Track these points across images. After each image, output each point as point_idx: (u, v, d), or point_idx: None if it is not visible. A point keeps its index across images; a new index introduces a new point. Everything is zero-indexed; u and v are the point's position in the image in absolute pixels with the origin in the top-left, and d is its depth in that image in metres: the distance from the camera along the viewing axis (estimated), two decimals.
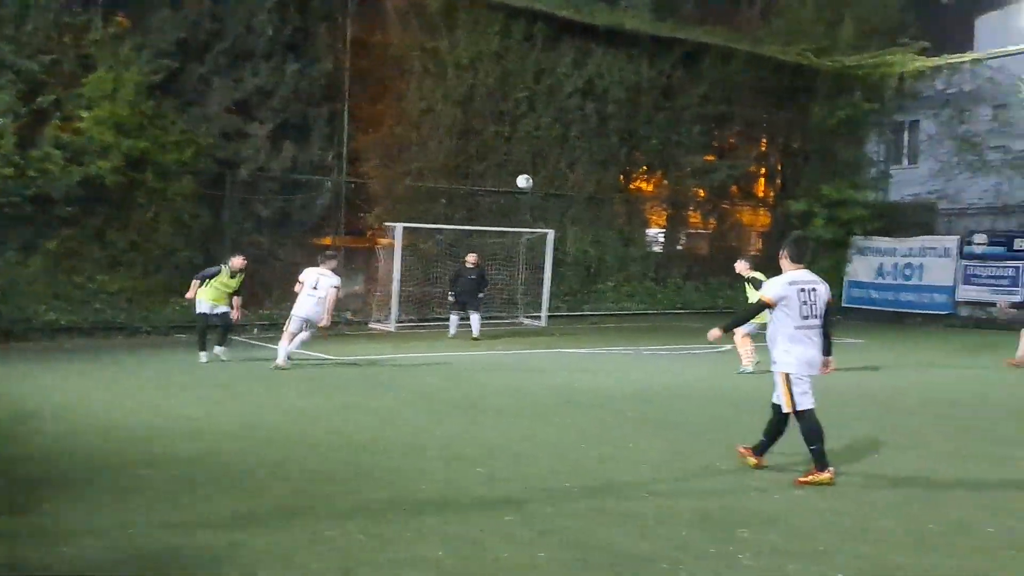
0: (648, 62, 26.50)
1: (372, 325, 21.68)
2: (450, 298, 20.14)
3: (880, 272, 28.41)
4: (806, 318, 7.78)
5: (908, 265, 27.72)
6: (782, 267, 8.05)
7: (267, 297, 21.52)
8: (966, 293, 26.34)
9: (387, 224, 22.00)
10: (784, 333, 7.86)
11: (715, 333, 8.51)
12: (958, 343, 20.61)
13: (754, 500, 7.06)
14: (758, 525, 6.36)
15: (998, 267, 25.53)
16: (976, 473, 8.19)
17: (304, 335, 14.66)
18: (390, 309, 21.05)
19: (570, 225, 25.26)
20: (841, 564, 5.59)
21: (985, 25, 31.51)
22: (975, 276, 26.13)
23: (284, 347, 14.44)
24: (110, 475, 7.59)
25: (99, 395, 11.69)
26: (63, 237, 18.84)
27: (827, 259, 29.04)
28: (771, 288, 8.00)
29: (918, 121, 29.60)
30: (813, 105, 29.35)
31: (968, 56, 28.22)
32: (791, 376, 7.82)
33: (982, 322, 25.45)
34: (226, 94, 20.91)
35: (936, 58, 28.27)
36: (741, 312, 9.46)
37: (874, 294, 28.34)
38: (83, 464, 7.99)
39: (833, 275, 29.11)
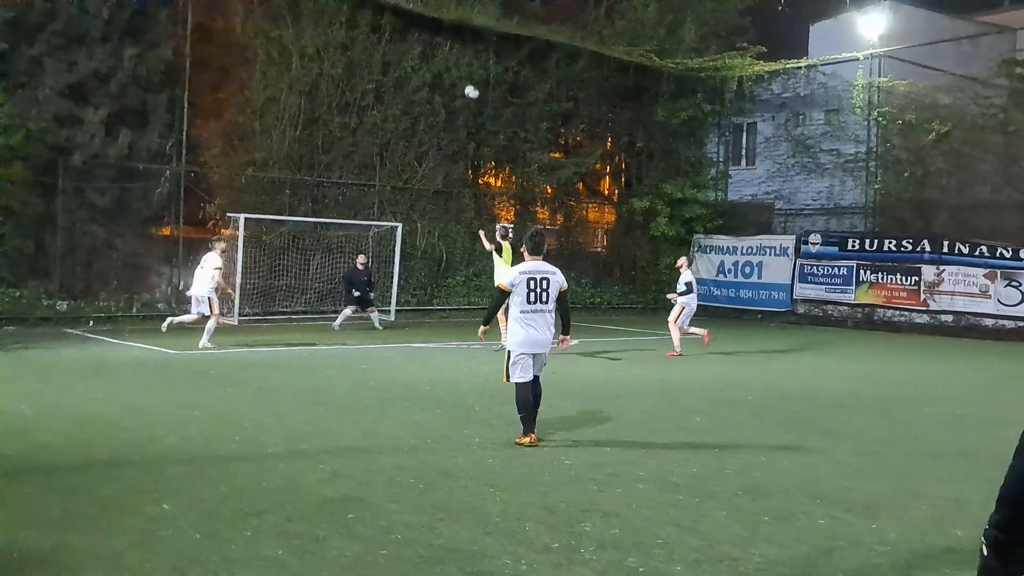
0: (495, 58, 26.62)
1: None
2: (354, 295, 20.54)
3: (721, 269, 29.43)
4: (532, 303, 8.88)
5: (748, 263, 28.81)
6: (524, 257, 9.13)
7: (104, 289, 20.59)
8: (803, 291, 27.58)
9: (229, 215, 21.35)
10: (512, 316, 8.99)
11: (480, 331, 9.74)
12: (796, 339, 21.49)
13: (596, 494, 7.13)
14: (600, 519, 6.43)
15: (832, 266, 26.84)
16: (804, 461, 8.53)
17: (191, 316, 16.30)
18: (233, 302, 20.43)
19: (419, 219, 25.12)
20: (679, 556, 5.69)
21: (819, 32, 33.07)
22: (811, 275, 27.39)
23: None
24: None
25: None
26: None
27: (670, 256, 29.92)
28: (506, 277, 9.17)
29: (756, 123, 30.83)
30: (656, 105, 30.16)
31: (803, 62, 29.54)
32: (511, 353, 8.96)
33: (818, 319, 26.72)
34: (59, 77, 19.89)
35: (773, 63, 29.46)
36: (490, 303, 10.02)
37: (715, 291, 29.33)
38: None
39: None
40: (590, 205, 31.67)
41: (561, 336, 9.38)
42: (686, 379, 14.24)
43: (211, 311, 16.18)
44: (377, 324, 20.64)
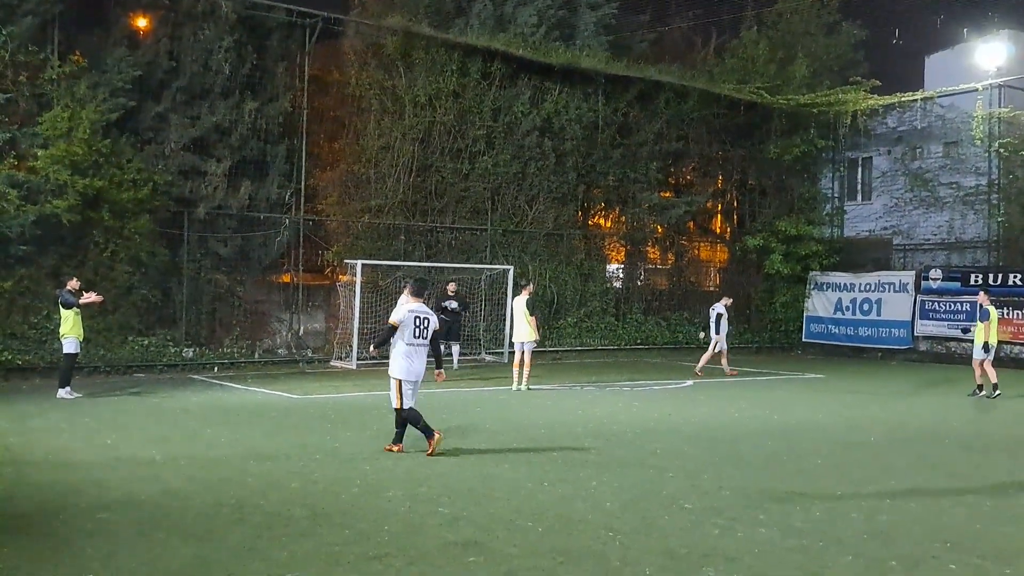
0: (604, 100, 26.80)
1: (333, 363, 21.54)
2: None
3: (838, 307, 28.76)
4: (416, 338, 10.50)
5: (866, 300, 28.09)
6: (405, 299, 10.75)
7: (227, 336, 21.34)
8: (924, 328, 26.71)
9: (346, 261, 21.94)
10: (399, 349, 10.51)
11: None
12: (919, 378, 20.80)
13: (717, 539, 7.05)
14: (722, 563, 6.37)
15: (954, 302, 25.93)
16: (932, 505, 8.26)
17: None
18: (351, 346, 20.92)
19: (530, 261, 25.32)
20: None
21: (935, 64, 32.25)
22: (932, 311, 26.53)
23: None
24: (66, 519, 7.44)
25: (55, 437, 11.47)
26: (18, 276, 18.55)
27: (785, 294, 29.42)
28: (396, 314, 10.60)
29: (871, 158, 30.15)
30: (768, 142, 29.82)
31: (919, 94, 28.84)
32: (402, 381, 10.48)
33: (941, 356, 25.82)
34: (183, 132, 20.82)
35: (888, 96, 28.83)
36: (380, 335, 11.32)
37: (833, 329, 28.66)
38: (37, 508, 7.83)
39: (792, 309, 29.50)
40: (702, 244, 31.39)
41: (436, 371, 11.05)
42: (806, 420, 13.94)
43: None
44: (455, 365, 20.59)
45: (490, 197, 24.93)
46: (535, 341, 17.53)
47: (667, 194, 29.67)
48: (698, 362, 21.29)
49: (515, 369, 17.38)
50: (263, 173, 22.03)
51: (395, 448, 10.59)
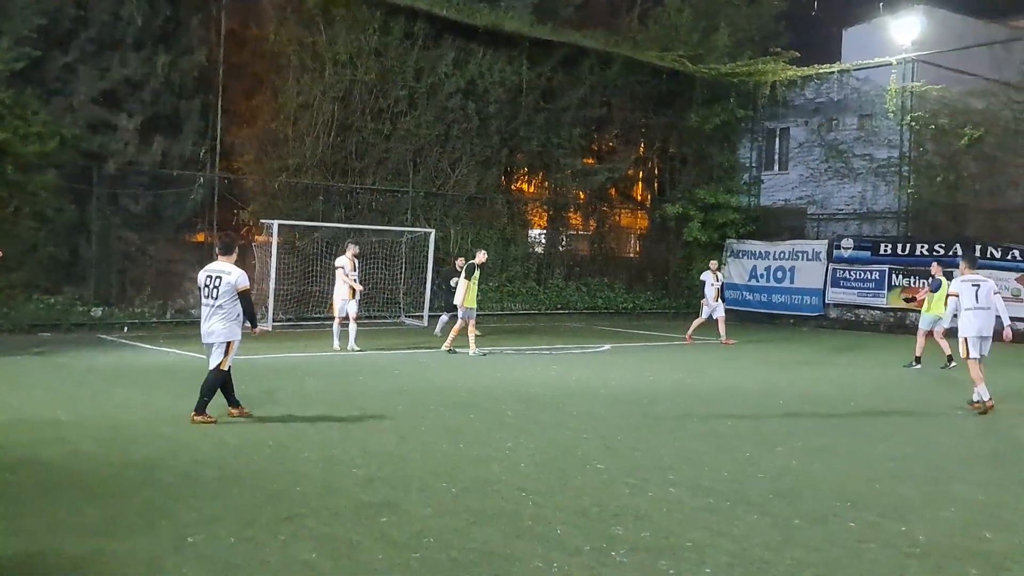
0: (528, 64, 26.69)
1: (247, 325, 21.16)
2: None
3: (753, 274, 29.28)
4: (206, 298, 9.97)
5: (780, 268, 28.64)
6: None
7: (138, 295, 20.83)
8: (835, 295, 27.37)
9: (263, 221, 21.55)
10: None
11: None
12: (830, 343, 21.31)
13: (628, 498, 7.14)
14: (632, 522, 6.44)
15: (864, 271, 26.62)
16: (837, 465, 8.50)
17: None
18: (267, 308, 20.60)
19: (452, 225, 25.21)
20: (710, 559, 5.70)
21: (852, 37, 32.87)
22: (843, 279, 27.19)
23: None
24: None
25: None
26: None
27: (702, 261, 29.81)
28: (200, 276, 10.13)
29: (788, 128, 30.67)
30: (689, 111, 30.09)
31: (836, 67, 29.36)
32: (233, 343, 10.03)
33: (850, 323, 26.50)
34: (92, 84, 20.15)
35: (806, 68, 29.31)
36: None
37: (748, 296, 29.19)
38: None
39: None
40: (623, 211, 31.64)
41: (252, 328, 10.39)
42: (719, 384, 14.19)
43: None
44: (438, 330, 20.34)
45: (412, 159, 24.72)
46: (471, 307, 17.14)
47: (590, 160, 29.82)
48: (689, 327, 21.30)
49: (469, 335, 17.07)
50: (177, 129, 21.47)
51: (234, 411, 10.21)
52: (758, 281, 29.19)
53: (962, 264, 12.64)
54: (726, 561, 5.67)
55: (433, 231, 23.44)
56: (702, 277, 21.49)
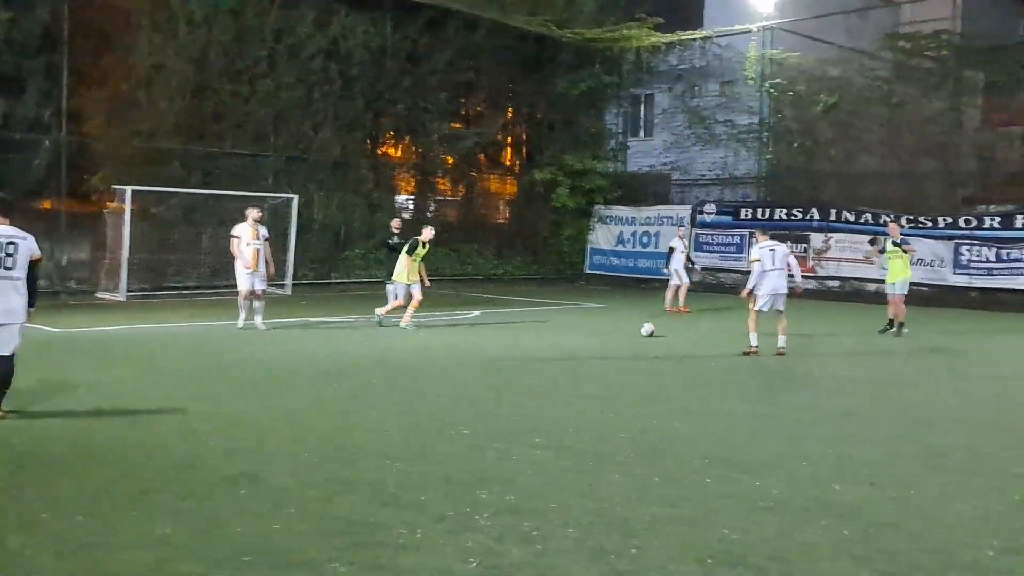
0: (393, 26, 26.23)
1: (100, 295, 20.31)
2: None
3: (620, 239, 29.75)
4: (7, 269, 8.05)
5: (646, 233, 29.18)
6: None
7: None
8: (698, 259, 28.00)
9: (115, 187, 20.61)
10: None
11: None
12: (693, 306, 21.75)
13: (494, 462, 7.12)
14: (497, 486, 6.42)
15: (726, 235, 27.36)
16: (699, 423, 8.69)
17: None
18: (119, 278, 19.76)
19: (316, 190, 24.67)
20: (573, 519, 5.72)
21: (714, 3, 33.47)
22: (706, 244, 27.88)
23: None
24: None
25: None
26: None
27: (571, 227, 30.15)
28: None
29: (653, 95, 31.14)
30: (556, 76, 30.19)
31: (698, 34, 29.90)
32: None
33: (713, 287, 27.22)
34: None
35: (669, 34, 29.74)
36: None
37: (615, 260, 29.66)
38: None
39: (577, 242, 30.30)
40: (492, 176, 31.62)
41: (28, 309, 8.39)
42: (587, 348, 14.37)
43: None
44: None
45: (272, 122, 24.05)
46: (404, 283, 16.27)
47: (457, 125, 29.63)
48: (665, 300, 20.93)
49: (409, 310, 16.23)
50: (19, 89, 20.29)
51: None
52: (625, 246, 29.70)
53: (758, 234, 14.58)
54: (588, 520, 5.71)
55: (296, 197, 22.86)
56: (671, 244, 21.13)
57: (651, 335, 15.29)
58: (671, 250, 20.92)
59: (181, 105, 22.41)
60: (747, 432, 8.35)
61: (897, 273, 16.73)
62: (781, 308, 13.68)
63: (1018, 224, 23.50)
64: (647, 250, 29.09)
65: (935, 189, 26.30)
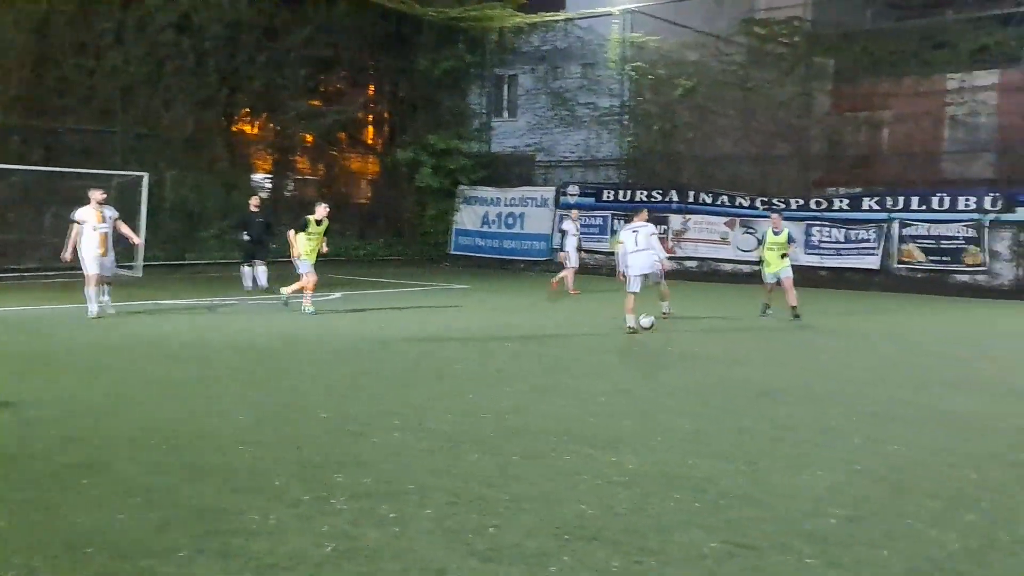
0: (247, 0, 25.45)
1: None
2: (244, 238, 18.37)
3: (485, 220, 29.78)
4: None
5: (511, 214, 29.30)
6: None
7: None
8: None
9: None
10: None
11: None
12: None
13: (351, 445, 6.98)
14: (354, 469, 6.29)
15: (589, 216, 27.70)
16: (558, 402, 8.74)
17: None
18: None
19: (167, 168, 23.76)
20: (431, 500, 5.66)
21: None
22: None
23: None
24: None
25: None
26: None
27: (435, 207, 29.99)
28: None
29: (516, 76, 31.21)
30: (418, 54, 29.90)
31: (561, 15, 30.12)
32: None
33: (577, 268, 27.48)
34: None
35: (532, 15, 29.86)
36: None
37: (480, 241, 29.67)
38: None
39: (442, 222, 30.17)
40: (353, 155, 31.15)
41: None
42: (449, 328, 14.30)
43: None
44: (264, 283, 18.43)
45: (121, 97, 23.00)
46: (301, 260, 15.64)
47: (317, 102, 29.03)
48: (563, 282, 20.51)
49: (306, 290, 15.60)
50: None
51: None
52: (490, 227, 29.75)
53: (635, 215, 14.73)
54: (446, 500, 5.65)
55: (146, 175, 21.93)
56: (563, 227, 20.97)
57: (652, 327, 14.19)
58: (563, 233, 20.93)
59: (20, 77, 21.21)
60: (605, 410, 8.45)
61: (776, 263, 16.54)
62: (658, 280, 14.51)
63: (865, 206, 24.66)
64: (512, 231, 29.23)
65: (788, 172, 27.26)
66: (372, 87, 31.16)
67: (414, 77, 30.34)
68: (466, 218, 29.99)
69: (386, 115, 31.78)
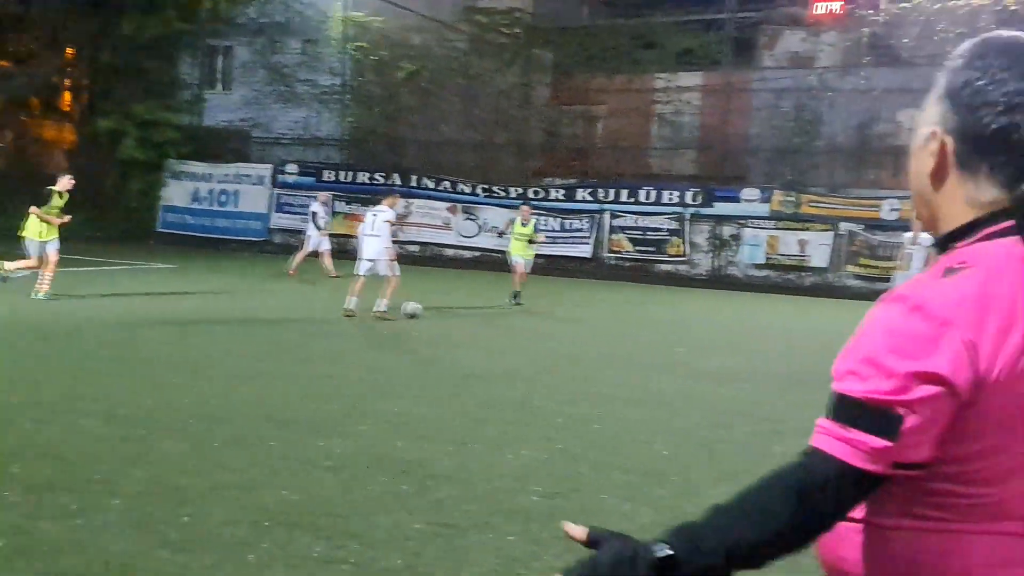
0: None
1: None
2: None
3: (196, 197, 28.40)
4: None
5: (224, 191, 28.12)
6: None
7: None
8: (279, 221, 27.54)
9: None
10: None
11: None
12: (273, 269, 21.25)
13: (31, 433, 6.38)
14: (32, 458, 5.74)
15: (308, 197, 27.00)
16: (265, 387, 8.44)
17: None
18: None
19: None
20: (121, 490, 5.25)
21: None
22: (288, 205, 27.41)
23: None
24: None
25: None
26: None
27: (140, 182, 28.21)
28: None
29: (232, 47, 29.91)
30: (123, 18, 27.87)
31: None
32: None
33: (294, 248, 26.80)
34: None
35: None
36: None
37: (189, 219, 28.27)
38: None
39: (149, 198, 28.43)
40: (47, 122, 28.67)
41: None
42: (151, 310, 13.54)
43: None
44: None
45: None
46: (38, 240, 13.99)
47: (4, 63, 26.44)
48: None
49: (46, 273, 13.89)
50: None
51: None
52: (200, 204, 28.44)
53: (386, 199, 14.57)
54: (137, 491, 5.26)
55: None
56: (312, 208, 20.01)
57: (415, 315, 13.85)
58: (314, 214, 20.07)
59: None
60: (314, 394, 8.22)
61: (521, 250, 17.11)
62: (382, 272, 13.75)
63: (579, 196, 25.79)
64: (225, 209, 28.08)
65: (507, 160, 28.01)
66: (70, 50, 28.79)
67: (118, 41, 28.24)
68: (175, 194, 28.44)
69: (85, 81, 29.47)
